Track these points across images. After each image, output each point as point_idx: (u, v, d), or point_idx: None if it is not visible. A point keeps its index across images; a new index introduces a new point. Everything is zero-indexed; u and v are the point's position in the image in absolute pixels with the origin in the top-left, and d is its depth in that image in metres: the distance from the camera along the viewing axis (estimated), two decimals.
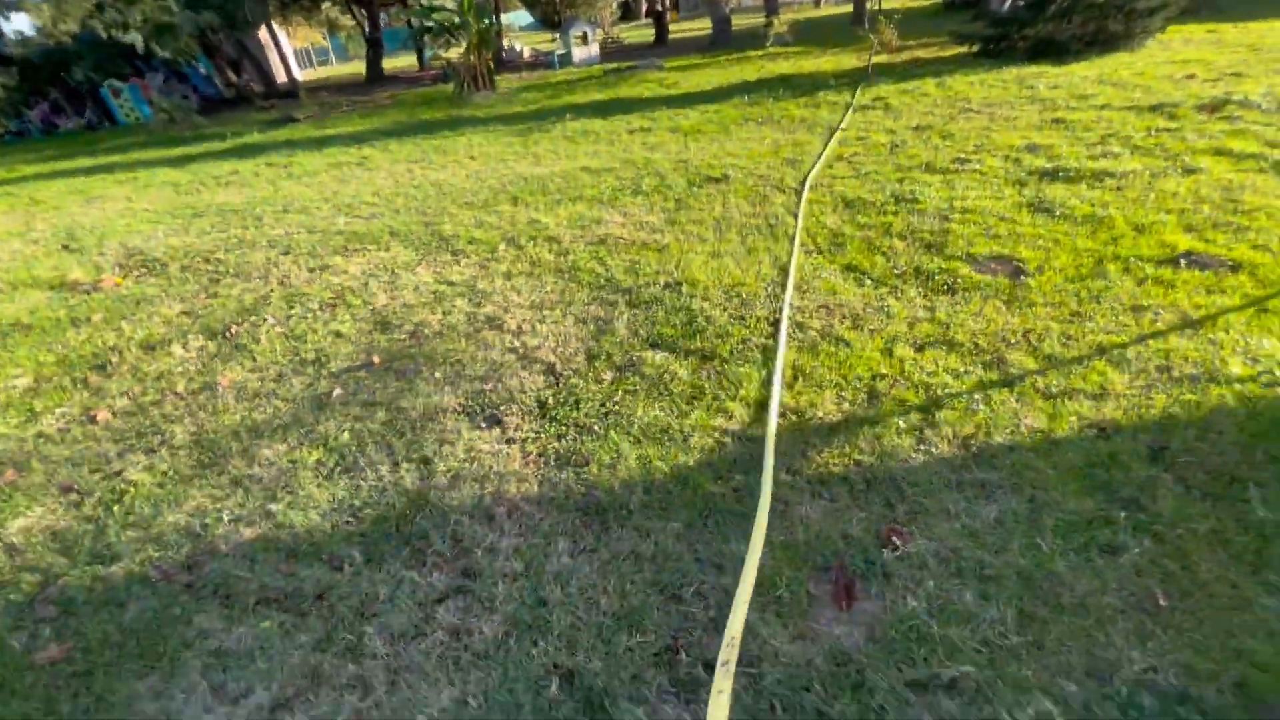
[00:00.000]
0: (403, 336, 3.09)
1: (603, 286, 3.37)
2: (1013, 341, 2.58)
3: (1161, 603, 1.53)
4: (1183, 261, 3.00)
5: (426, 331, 3.11)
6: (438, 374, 2.74)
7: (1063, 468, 1.95)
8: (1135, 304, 2.74)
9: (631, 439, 2.25)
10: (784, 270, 3.34)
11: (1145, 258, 3.07)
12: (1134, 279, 2.92)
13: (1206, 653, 1.41)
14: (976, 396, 2.29)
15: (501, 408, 2.48)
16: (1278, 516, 1.69)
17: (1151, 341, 2.48)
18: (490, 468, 2.18)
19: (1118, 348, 2.47)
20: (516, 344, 2.91)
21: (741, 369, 2.57)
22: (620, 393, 2.50)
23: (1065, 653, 1.46)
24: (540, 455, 2.23)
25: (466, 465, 2.20)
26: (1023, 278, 3.04)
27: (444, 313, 3.28)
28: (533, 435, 2.32)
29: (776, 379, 2.45)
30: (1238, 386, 2.18)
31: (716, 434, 2.25)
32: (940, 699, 1.40)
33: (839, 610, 1.62)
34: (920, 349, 2.60)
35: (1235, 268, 2.91)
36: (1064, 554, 1.68)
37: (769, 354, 2.64)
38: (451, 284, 3.62)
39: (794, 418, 2.29)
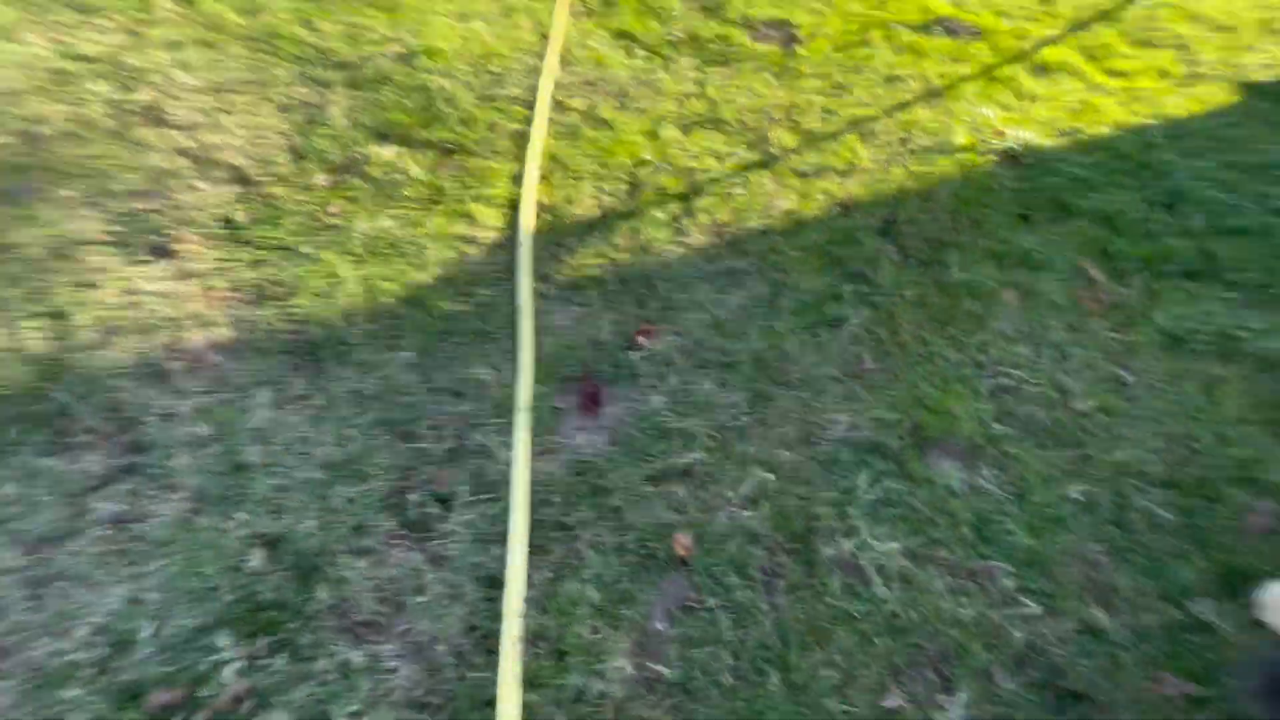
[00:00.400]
0: (8, 140, 2.17)
1: (312, 60, 2.58)
2: (777, 118, 2.45)
3: (868, 366, 1.67)
4: (937, 28, 3.00)
5: (46, 131, 2.20)
6: (69, 192, 1.99)
7: (806, 248, 1.97)
8: (891, 74, 2.71)
9: (352, 258, 1.86)
10: (546, 38, 2.80)
11: (906, 23, 3.01)
12: (893, 47, 2.86)
13: (896, 405, 1.59)
14: (736, 180, 2.19)
15: (171, 233, 1.89)
16: (968, 277, 1.88)
17: (898, 113, 2.51)
18: (158, 313, 1.69)
19: (869, 120, 2.46)
20: (190, 144, 2.18)
21: (490, 163, 2.19)
22: (338, 201, 2.02)
23: (785, 425, 1.56)
24: (232, 290, 1.76)
25: (123, 313, 1.68)
26: (794, 46, 2.85)
27: (73, 102, 2.33)
28: (219, 266, 1.82)
29: (530, 173, 2.12)
30: (959, 156, 2.31)
31: (458, 243, 1.93)
32: (673, 487, 1.44)
33: (585, 419, 1.56)
34: (687, 129, 2.39)
35: (978, 34, 2.97)
36: (796, 333, 1.75)
37: (523, 143, 2.26)
38: (84, 59, 2.55)
39: (548, 217, 2.03)
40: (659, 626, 1.25)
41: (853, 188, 2.18)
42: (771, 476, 1.46)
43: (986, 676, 1.20)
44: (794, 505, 1.41)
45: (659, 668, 1.19)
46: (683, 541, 1.35)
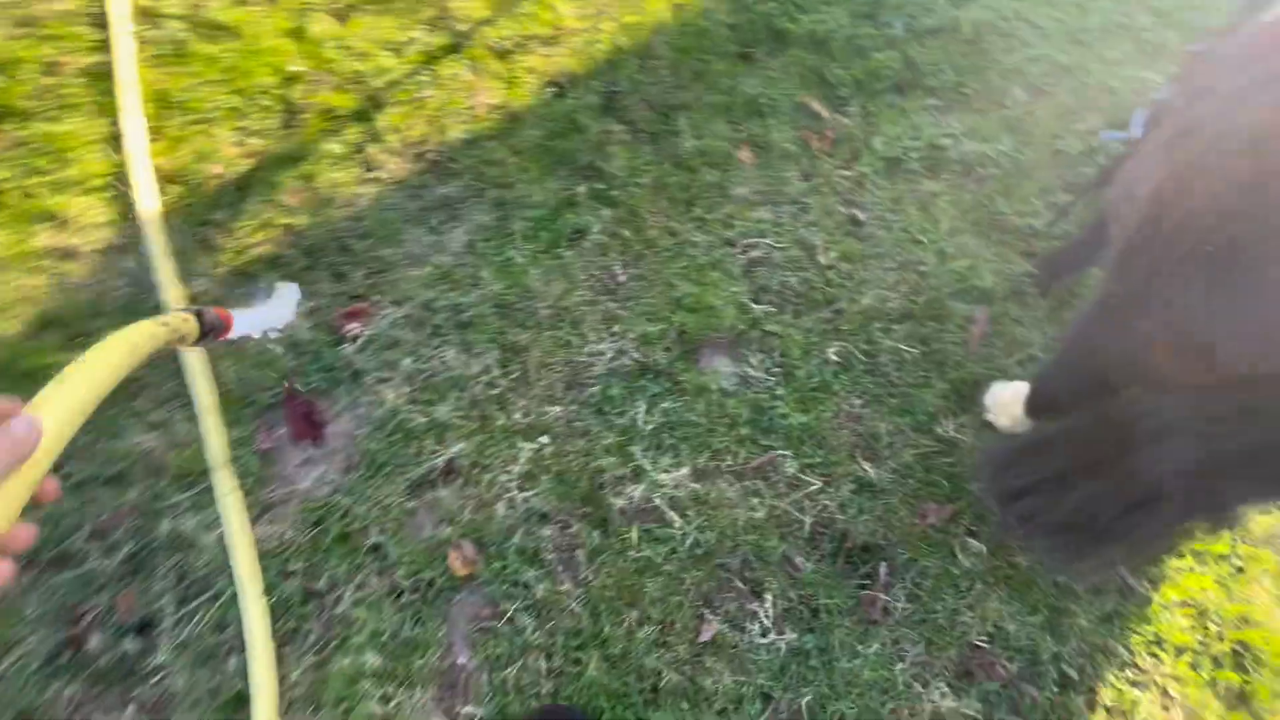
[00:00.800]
0: None
1: None
2: None
3: (621, 279, 1.52)
4: None
5: None
6: None
7: (525, 149, 1.68)
8: None
9: None
10: None
11: None
12: None
13: (656, 314, 1.47)
14: (423, 77, 1.77)
15: None
16: (702, 143, 1.73)
17: None
18: None
19: None
20: None
21: (62, 126, 1.54)
22: None
23: (547, 376, 1.38)
24: None
25: None
26: None
27: None
28: None
29: (132, 129, 1.53)
30: None
31: (47, 261, 1.37)
32: (438, 494, 1.24)
33: (307, 450, 1.26)
34: (344, 17, 1.85)
35: None
36: (536, 260, 1.52)
37: (106, 84, 1.61)
38: None
39: (179, 188, 1.51)
40: (461, 661, 1.11)
41: (563, 59, 1.87)
42: (545, 441, 1.31)
43: (788, 565, 1.23)
44: (576, 465, 1.29)
45: (470, 708, 1.06)
46: (463, 554, 1.18)
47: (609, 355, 1.41)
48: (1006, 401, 1.32)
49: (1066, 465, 1.00)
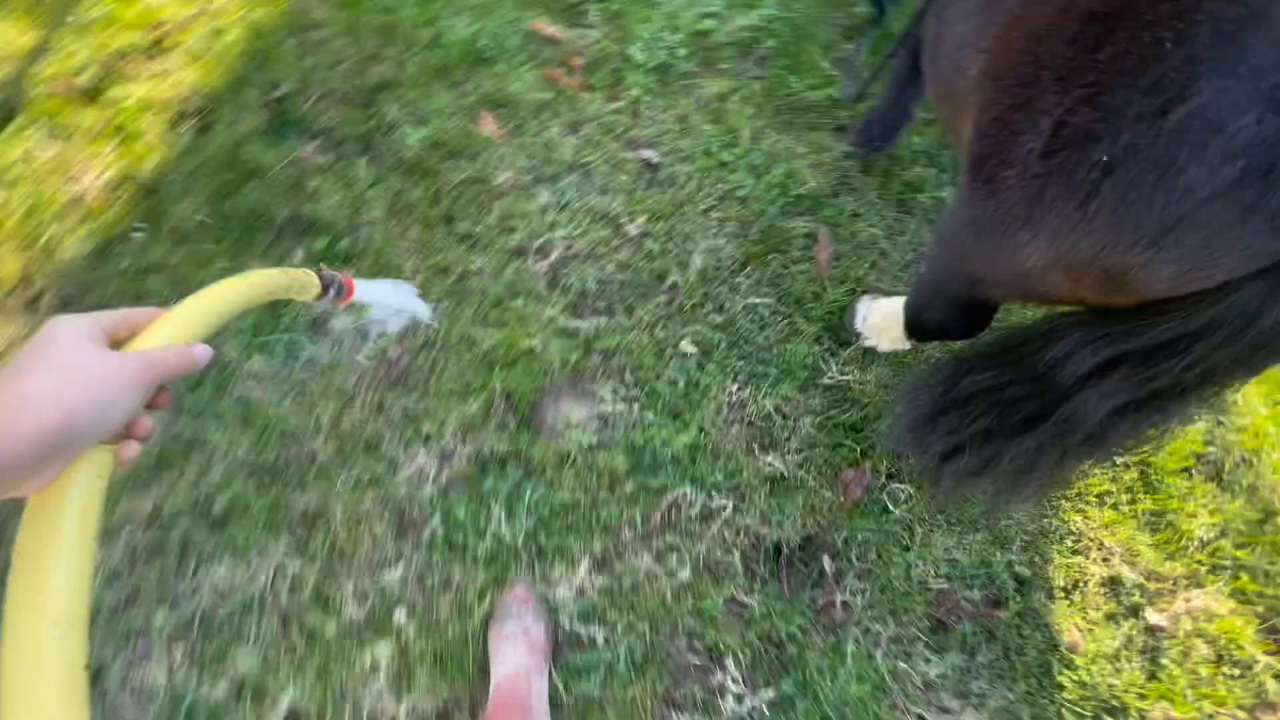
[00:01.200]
0: None
1: None
2: None
3: (402, 361, 1.14)
4: None
5: None
6: None
7: (190, 233, 1.18)
8: None
9: None
10: None
11: None
12: None
13: (468, 389, 1.13)
14: None
15: None
16: (427, 129, 1.31)
17: None
18: None
19: None
20: None
21: None
22: None
23: (364, 535, 1.04)
24: None
25: None
26: None
27: None
28: None
29: None
30: None
31: None
32: None
33: None
34: None
35: None
36: (280, 383, 1.10)
37: None
38: None
39: None
40: None
41: (185, 72, 1.30)
42: (400, 620, 1.00)
43: (735, 609, 1.07)
44: (453, 633, 1.00)
45: None
46: None
47: (433, 469, 1.08)
48: (880, 323, 1.18)
49: (993, 424, 0.87)
